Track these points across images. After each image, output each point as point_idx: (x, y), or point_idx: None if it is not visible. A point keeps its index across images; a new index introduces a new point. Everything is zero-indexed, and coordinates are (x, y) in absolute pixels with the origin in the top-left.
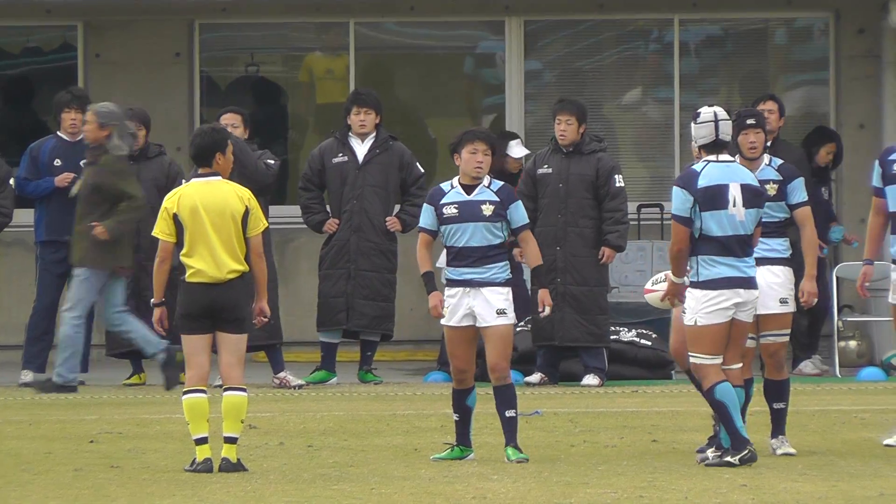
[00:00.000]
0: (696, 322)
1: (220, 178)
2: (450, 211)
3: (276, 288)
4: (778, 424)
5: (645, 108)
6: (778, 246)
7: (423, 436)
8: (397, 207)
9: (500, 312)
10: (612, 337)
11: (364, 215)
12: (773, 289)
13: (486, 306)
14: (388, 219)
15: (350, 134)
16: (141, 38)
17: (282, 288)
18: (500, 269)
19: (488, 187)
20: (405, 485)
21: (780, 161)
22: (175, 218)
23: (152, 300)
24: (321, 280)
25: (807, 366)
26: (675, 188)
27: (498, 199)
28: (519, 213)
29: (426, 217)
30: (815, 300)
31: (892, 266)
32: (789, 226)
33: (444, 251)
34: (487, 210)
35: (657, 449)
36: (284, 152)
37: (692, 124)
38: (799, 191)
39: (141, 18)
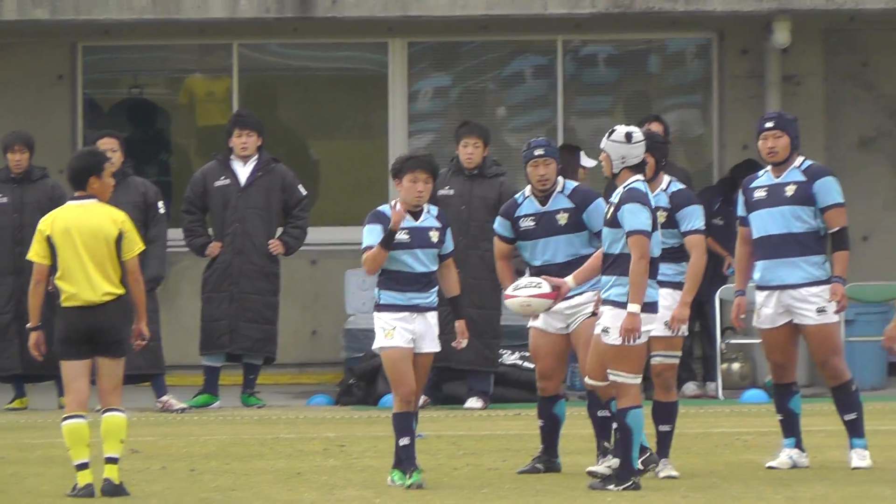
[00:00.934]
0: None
1: (95, 200)
2: (400, 237)
3: (157, 315)
4: (663, 447)
5: (528, 129)
6: (669, 270)
7: (306, 459)
8: (280, 230)
9: (434, 340)
10: (508, 363)
11: (247, 238)
12: (662, 311)
13: (428, 332)
14: (270, 241)
15: (232, 156)
16: (24, 61)
17: (164, 312)
18: (435, 294)
19: (429, 213)
20: None
21: (676, 187)
22: (49, 240)
23: (28, 324)
24: (204, 303)
25: (689, 387)
26: (636, 205)
27: (441, 225)
28: (451, 239)
29: (373, 236)
30: (684, 326)
31: (756, 291)
32: (684, 251)
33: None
34: (434, 236)
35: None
36: (167, 174)
37: (623, 144)
38: (690, 218)
39: (23, 41)
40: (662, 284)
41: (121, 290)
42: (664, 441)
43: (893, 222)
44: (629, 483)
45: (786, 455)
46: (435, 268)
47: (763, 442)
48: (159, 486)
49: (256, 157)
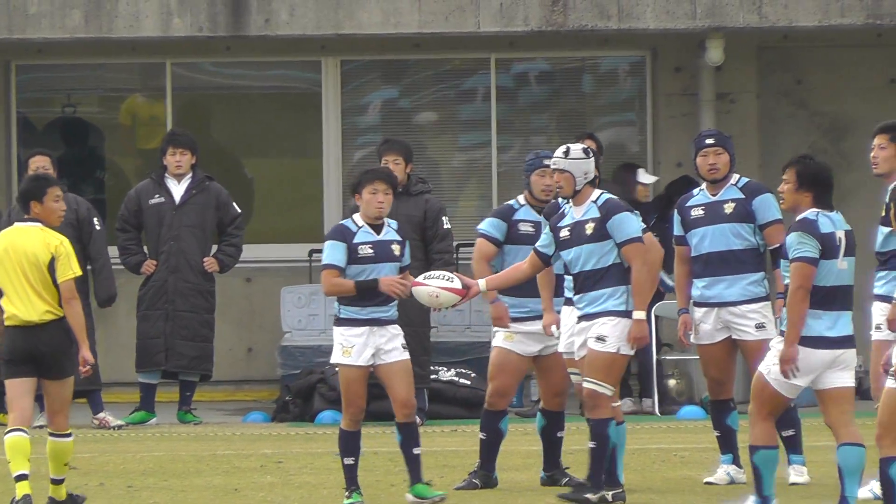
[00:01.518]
0: (619, 350)
1: (37, 224)
2: (365, 251)
3: (93, 332)
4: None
5: (462, 148)
6: None
7: (242, 476)
8: (214, 248)
9: (404, 347)
10: (431, 376)
11: (181, 256)
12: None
13: (391, 342)
14: (205, 259)
15: (166, 175)
16: None
17: (100, 329)
18: (395, 308)
19: (389, 226)
20: None
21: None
22: None
23: None
24: (139, 321)
25: (625, 403)
26: (626, 214)
27: (401, 238)
28: (408, 253)
29: (336, 253)
30: (644, 342)
31: (694, 307)
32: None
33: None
34: (396, 249)
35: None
36: (102, 192)
37: (583, 160)
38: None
39: None
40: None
41: (60, 313)
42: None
43: None
44: (600, 494)
45: (723, 471)
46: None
47: (700, 458)
48: (97, 502)
49: (191, 175)
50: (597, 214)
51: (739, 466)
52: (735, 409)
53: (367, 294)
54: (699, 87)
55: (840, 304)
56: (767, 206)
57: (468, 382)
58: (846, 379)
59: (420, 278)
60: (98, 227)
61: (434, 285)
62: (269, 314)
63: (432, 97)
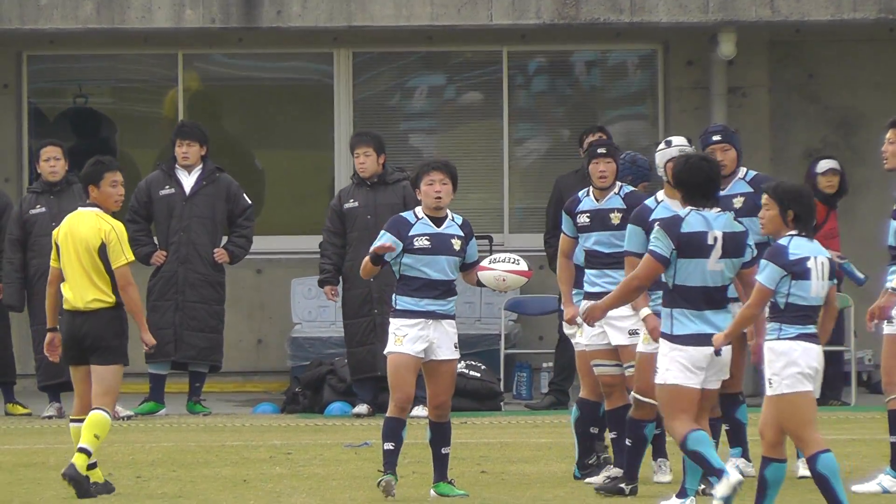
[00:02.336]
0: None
1: (94, 209)
2: (421, 242)
3: None
4: (658, 447)
5: (474, 140)
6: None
7: (252, 467)
8: (225, 239)
9: (456, 347)
10: None
11: (191, 247)
12: (624, 321)
13: (446, 339)
14: (215, 250)
15: (176, 166)
16: None
17: None
18: (454, 303)
19: (453, 221)
20: None
21: (628, 189)
22: (56, 246)
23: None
24: (149, 311)
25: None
26: None
27: (464, 234)
28: (475, 248)
29: (380, 240)
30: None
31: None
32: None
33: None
34: (457, 244)
35: (486, 480)
36: None
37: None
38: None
39: None
40: None
41: (111, 300)
42: (657, 442)
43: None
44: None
45: (732, 464)
46: (454, 276)
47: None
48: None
49: (201, 166)
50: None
51: (749, 460)
52: (744, 403)
53: (376, 261)
54: (711, 81)
55: (709, 303)
56: None
57: (478, 374)
58: (714, 383)
59: (485, 262)
60: None
61: (500, 269)
62: (279, 305)
63: (444, 90)
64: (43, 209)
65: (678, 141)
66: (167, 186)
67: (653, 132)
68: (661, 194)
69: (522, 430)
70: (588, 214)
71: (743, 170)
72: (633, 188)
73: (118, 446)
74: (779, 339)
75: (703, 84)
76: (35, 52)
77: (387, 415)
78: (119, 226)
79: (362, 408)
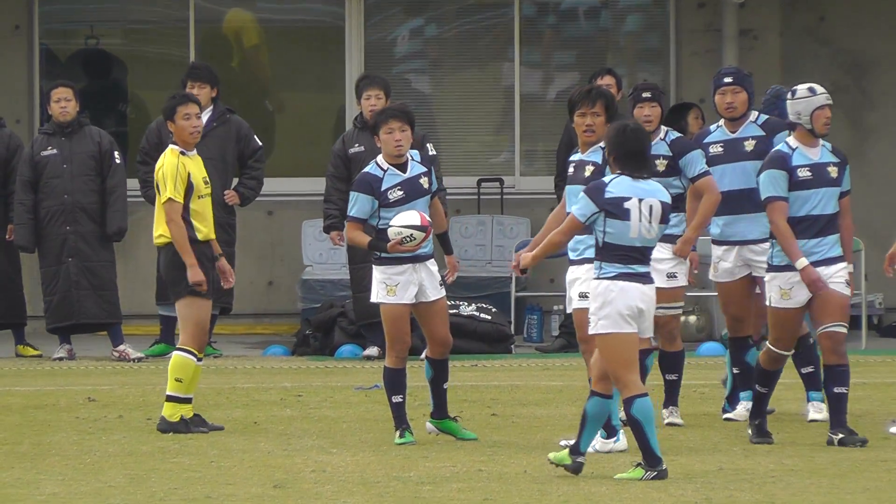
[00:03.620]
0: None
1: (174, 146)
2: (395, 194)
3: (113, 265)
4: (670, 395)
5: (485, 83)
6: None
7: (262, 409)
8: (236, 181)
9: (442, 284)
10: (452, 311)
11: None
12: (662, 263)
13: (432, 279)
14: (225, 192)
15: None
16: None
17: (120, 261)
18: (431, 241)
19: (413, 160)
20: (244, 458)
21: (674, 135)
22: None
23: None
24: (159, 253)
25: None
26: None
27: (426, 168)
28: (435, 177)
29: (361, 206)
30: (683, 277)
31: (714, 245)
32: (681, 201)
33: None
34: (425, 182)
35: (497, 423)
36: (124, 125)
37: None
38: (695, 163)
39: None
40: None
41: (166, 235)
42: (672, 389)
43: (851, 176)
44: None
45: (743, 407)
46: (429, 214)
47: (720, 394)
48: (116, 434)
49: (211, 108)
50: (835, 160)
51: None
52: (754, 346)
53: (375, 251)
54: (722, 24)
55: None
56: None
57: (489, 317)
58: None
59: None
60: (118, 161)
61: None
62: (289, 248)
63: (456, 31)
64: (54, 151)
65: (820, 89)
66: None
67: (664, 74)
68: (793, 140)
69: (533, 373)
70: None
71: (754, 113)
72: (679, 133)
73: (129, 388)
74: (598, 278)
75: (715, 26)
76: None
77: (387, 366)
78: (170, 162)
79: (373, 350)
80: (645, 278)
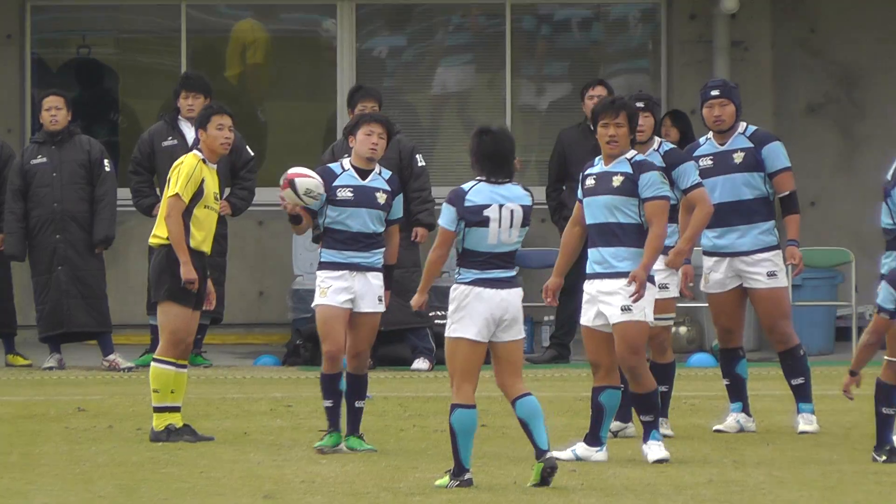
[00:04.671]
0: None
1: (197, 151)
2: (344, 194)
3: (103, 273)
4: (661, 406)
5: (477, 94)
6: None
7: (252, 419)
8: (227, 191)
9: (380, 300)
10: (441, 321)
11: None
12: (654, 274)
13: (369, 291)
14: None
15: (180, 117)
16: None
17: (111, 271)
18: (380, 255)
19: (380, 175)
20: (234, 468)
21: (668, 146)
22: None
23: None
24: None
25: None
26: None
27: (390, 189)
28: (400, 207)
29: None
30: (674, 288)
31: (705, 256)
32: (674, 213)
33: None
34: (381, 198)
35: (486, 434)
36: (114, 135)
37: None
38: (688, 174)
39: None
40: None
41: (162, 235)
42: (662, 401)
43: (841, 188)
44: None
45: (733, 419)
46: (379, 229)
47: (710, 406)
48: (106, 444)
49: None
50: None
51: (749, 415)
52: (744, 358)
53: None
54: (713, 35)
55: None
56: (776, 155)
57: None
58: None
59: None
60: (108, 170)
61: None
62: (280, 258)
63: (447, 42)
64: (44, 159)
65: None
66: (170, 138)
67: (655, 86)
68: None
69: (526, 385)
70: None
71: (743, 124)
72: (673, 146)
73: (119, 398)
74: (456, 282)
75: (706, 38)
76: (39, 2)
77: (322, 371)
78: (189, 163)
79: None
80: (505, 283)
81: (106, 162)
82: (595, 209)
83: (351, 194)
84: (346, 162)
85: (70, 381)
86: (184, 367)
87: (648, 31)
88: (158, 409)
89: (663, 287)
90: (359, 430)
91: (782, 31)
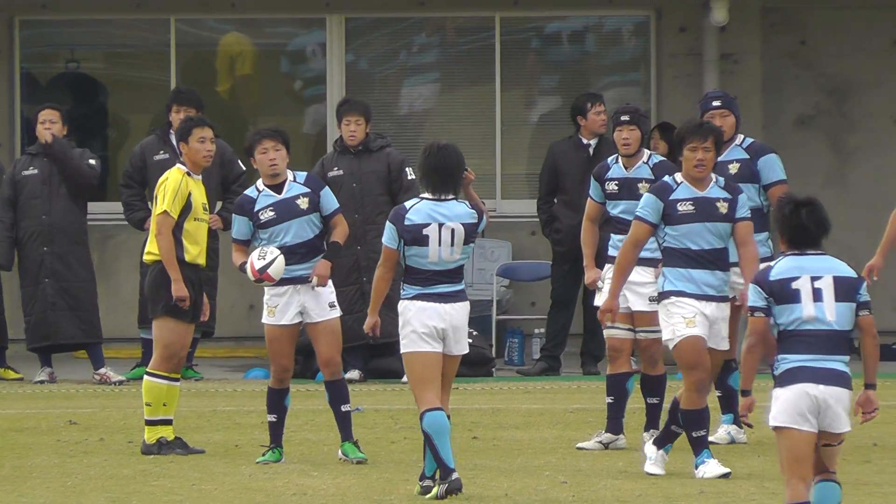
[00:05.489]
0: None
1: (181, 165)
2: (266, 214)
3: (94, 285)
4: (651, 418)
5: (466, 106)
6: (648, 244)
7: (243, 432)
8: (219, 205)
9: (332, 305)
10: None
11: None
12: (644, 287)
13: (317, 301)
14: (209, 217)
15: (171, 131)
16: None
17: (102, 285)
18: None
19: (295, 181)
20: (225, 480)
21: (657, 159)
22: None
23: None
24: (142, 277)
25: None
26: None
27: (309, 189)
28: (330, 198)
29: (238, 227)
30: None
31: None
32: None
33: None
34: (303, 203)
35: (478, 446)
36: (105, 149)
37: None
38: None
39: None
40: (641, 262)
41: (154, 252)
42: (653, 413)
43: (831, 200)
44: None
45: (724, 430)
46: (313, 235)
47: None
48: (98, 457)
49: None
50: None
51: (740, 426)
52: (737, 370)
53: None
54: (703, 48)
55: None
56: (772, 167)
57: (469, 340)
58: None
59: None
60: (92, 162)
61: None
62: None
63: (437, 56)
64: (35, 171)
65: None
66: (161, 152)
67: (645, 99)
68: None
69: (514, 397)
70: (616, 182)
71: (740, 136)
72: (662, 157)
73: (110, 411)
74: (401, 299)
75: (696, 51)
76: (27, 16)
77: (269, 385)
78: (174, 178)
79: (353, 374)
80: (449, 297)
81: (92, 161)
82: (703, 235)
83: (273, 213)
84: (259, 184)
85: (61, 394)
86: (176, 380)
87: (639, 44)
88: (150, 423)
89: (653, 299)
90: (352, 437)
91: (772, 43)
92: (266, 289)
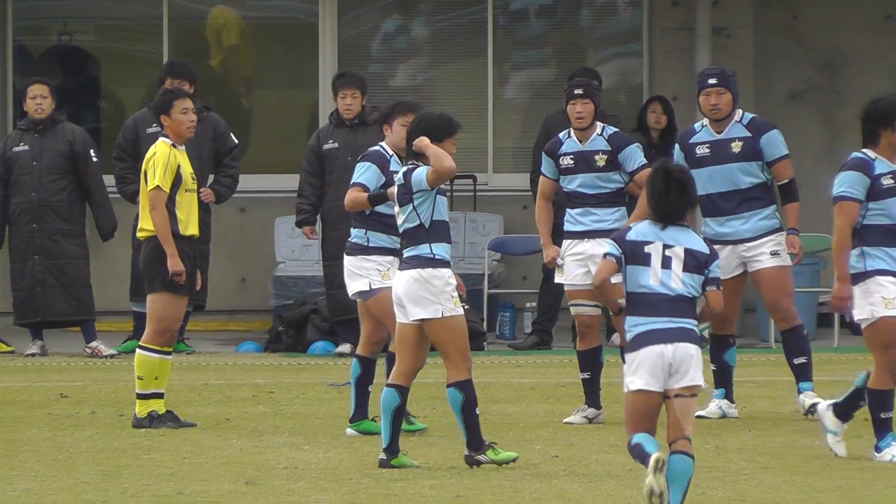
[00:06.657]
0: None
1: (165, 138)
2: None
3: (87, 261)
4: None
5: (459, 80)
6: (608, 216)
7: (234, 405)
8: (211, 178)
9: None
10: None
11: None
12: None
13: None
14: (202, 189)
15: None
16: None
17: (94, 258)
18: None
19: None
20: (216, 454)
21: (611, 130)
22: None
23: None
24: (134, 250)
25: (617, 337)
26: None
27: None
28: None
29: (368, 174)
30: None
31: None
32: (621, 196)
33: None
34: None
35: None
36: (97, 121)
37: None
38: (633, 157)
39: None
40: (599, 233)
41: (149, 228)
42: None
43: (823, 175)
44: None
45: (715, 405)
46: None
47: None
48: (89, 431)
49: None
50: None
51: (732, 401)
52: (734, 346)
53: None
54: (696, 22)
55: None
56: (775, 144)
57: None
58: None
59: None
60: (95, 160)
61: None
62: (262, 244)
63: (430, 29)
64: (25, 147)
65: None
66: (155, 124)
67: (638, 73)
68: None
69: (505, 371)
70: (572, 157)
71: (739, 112)
72: (615, 129)
73: (101, 385)
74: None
75: (689, 25)
76: None
77: (389, 350)
78: (162, 151)
79: (345, 347)
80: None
81: (92, 152)
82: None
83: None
84: (386, 146)
85: (52, 367)
86: (168, 354)
87: (632, 18)
88: (142, 396)
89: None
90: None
91: (764, 17)
92: (371, 256)
